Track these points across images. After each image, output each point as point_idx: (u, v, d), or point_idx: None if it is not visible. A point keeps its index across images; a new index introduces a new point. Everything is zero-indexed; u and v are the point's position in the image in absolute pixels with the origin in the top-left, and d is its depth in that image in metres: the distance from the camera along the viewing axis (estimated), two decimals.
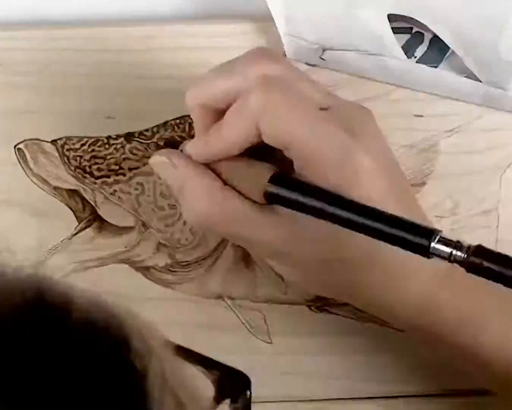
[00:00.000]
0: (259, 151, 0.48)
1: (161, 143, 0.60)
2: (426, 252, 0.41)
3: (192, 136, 0.59)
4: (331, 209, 0.43)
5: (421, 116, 0.60)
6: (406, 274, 0.48)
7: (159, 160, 0.50)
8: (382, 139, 0.48)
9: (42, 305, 0.29)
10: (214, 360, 0.38)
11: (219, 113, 0.48)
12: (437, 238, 0.41)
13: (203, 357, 0.37)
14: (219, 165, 0.48)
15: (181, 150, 0.50)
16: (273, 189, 0.45)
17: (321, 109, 0.46)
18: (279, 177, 0.45)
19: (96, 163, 0.59)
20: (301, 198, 0.44)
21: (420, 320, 0.49)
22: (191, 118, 0.59)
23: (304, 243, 0.46)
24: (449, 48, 0.58)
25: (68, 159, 0.59)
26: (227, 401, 0.37)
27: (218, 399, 0.37)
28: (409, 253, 0.42)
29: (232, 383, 0.39)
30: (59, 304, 0.29)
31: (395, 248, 0.42)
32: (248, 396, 0.38)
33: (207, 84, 0.48)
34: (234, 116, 0.46)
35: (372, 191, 0.45)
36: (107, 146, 0.60)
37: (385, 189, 0.46)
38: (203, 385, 0.37)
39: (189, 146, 0.49)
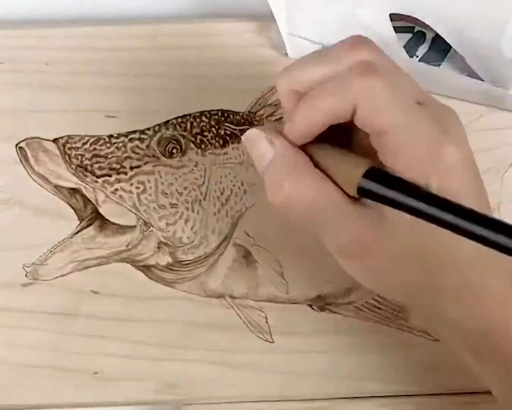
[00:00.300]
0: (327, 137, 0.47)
1: (163, 142, 0.60)
2: None
3: (195, 135, 0.60)
4: (428, 209, 0.42)
5: None
6: (483, 288, 0.47)
7: (254, 133, 0.48)
8: (467, 140, 0.47)
9: None
10: None
11: None
12: None
13: None
14: (311, 151, 0.47)
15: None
16: (368, 184, 0.44)
17: (417, 103, 0.46)
18: (375, 172, 0.44)
19: (98, 162, 0.59)
20: (397, 196, 0.43)
21: (489, 339, 0.47)
22: (193, 118, 0.60)
23: (388, 239, 0.46)
24: (450, 47, 0.58)
25: (69, 157, 0.59)
26: None
27: None
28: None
29: None
30: None
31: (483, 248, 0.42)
32: None
33: (301, 69, 0.47)
34: (330, 93, 0.45)
35: (460, 186, 0.45)
36: (108, 145, 0.60)
37: (470, 186, 0.46)
38: None
39: (285, 131, 0.47)
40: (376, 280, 0.48)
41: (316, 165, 0.46)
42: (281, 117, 0.60)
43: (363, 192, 0.44)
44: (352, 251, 0.47)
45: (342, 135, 0.47)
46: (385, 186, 0.43)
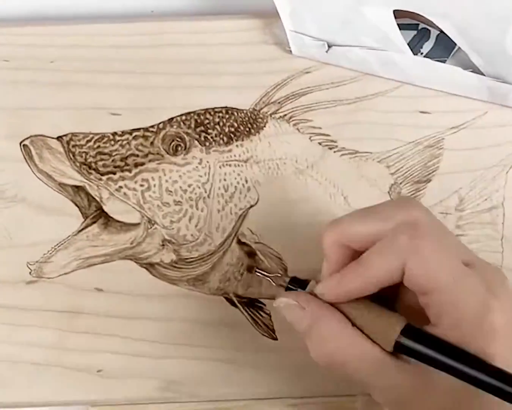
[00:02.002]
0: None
1: (167, 139, 0.60)
2: None
3: (199, 133, 0.60)
4: (464, 369, 0.44)
5: (427, 112, 0.60)
6: None
7: (285, 302, 0.50)
8: None
9: None
10: None
11: (354, 254, 0.48)
12: None
13: None
14: (347, 307, 0.48)
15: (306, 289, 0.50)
16: (406, 341, 0.46)
17: (464, 263, 0.47)
18: (412, 329, 0.46)
19: (102, 159, 0.59)
20: (433, 354, 0.45)
21: None
22: (197, 115, 0.60)
23: (430, 395, 0.47)
24: (455, 44, 0.58)
25: (73, 155, 0.59)
26: None
27: None
28: None
29: None
30: None
31: None
32: None
33: (349, 225, 0.48)
34: (380, 255, 0.47)
35: (507, 351, 0.46)
36: (112, 142, 0.60)
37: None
38: None
39: (322, 286, 0.49)
40: None
41: (353, 321, 0.48)
42: (285, 115, 0.60)
43: (400, 349, 0.46)
44: (395, 403, 0.48)
45: (388, 291, 0.48)
46: (420, 344, 0.45)
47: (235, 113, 0.60)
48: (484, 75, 0.58)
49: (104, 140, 0.60)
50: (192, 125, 0.60)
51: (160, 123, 0.60)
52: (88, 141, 0.60)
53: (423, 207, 0.48)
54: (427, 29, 0.60)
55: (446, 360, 0.45)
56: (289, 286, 0.51)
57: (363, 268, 0.47)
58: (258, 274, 0.53)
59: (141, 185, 0.59)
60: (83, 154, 0.59)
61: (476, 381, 0.44)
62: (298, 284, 0.51)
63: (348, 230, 0.48)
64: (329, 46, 0.59)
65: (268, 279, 0.52)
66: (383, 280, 0.47)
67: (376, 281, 0.47)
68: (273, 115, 0.60)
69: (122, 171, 0.59)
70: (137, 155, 0.59)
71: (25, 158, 0.60)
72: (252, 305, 0.59)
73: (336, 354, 0.48)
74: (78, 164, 0.59)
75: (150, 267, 0.59)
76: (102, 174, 0.59)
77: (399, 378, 0.47)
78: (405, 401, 0.48)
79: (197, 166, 0.60)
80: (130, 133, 0.60)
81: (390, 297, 0.49)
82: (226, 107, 0.60)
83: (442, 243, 0.47)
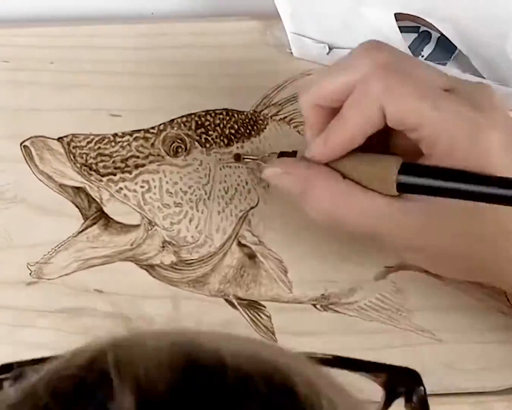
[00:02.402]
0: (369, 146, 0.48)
1: (168, 141, 0.60)
2: None
3: (200, 134, 0.60)
4: (469, 187, 0.44)
5: None
6: None
7: (271, 171, 0.50)
8: (505, 112, 0.47)
9: (195, 375, 0.26)
10: (378, 362, 0.37)
11: (333, 113, 0.48)
12: None
13: (366, 362, 0.36)
14: (340, 164, 0.48)
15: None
16: (406, 179, 0.45)
17: (444, 90, 0.46)
18: (409, 166, 0.46)
19: (102, 160, 0.59)
20: (436, 183, 0.45)
21: None
22: (197, 117, 0.60)
23: (440, 226, 0.47)
24: (456, 47, 0.58)
25: (74, 156, 0.59)
26: (401, 400, 0.36)
27: (389, 400, 0.36)
28: None
29: (402, 381, 0.38)
30: (213, 369, 0.27)
31: None
32: (422, 391, 0.38)
33: (320, 83, 0.48)
34: (356, 105, 0.46)
35: (503, 167, 0.45)
36: (113, 143, 0.60)
37: (509, 163, 0.46)
38: (371, 389, 0.35)
39: (309, 150, 0.49)
40: (440, 263, 0.49)
41: (348, 177, 0.47)
42: (286, 117, 0.60)
43: (403, 188, 0.45)
44: (413, 245, 0.48)
45: (378, 139, 0.48)
46: (421, 177, 0.45)
47: (236, 115, 0.60)
48: (484, 78, 0.58)
49: (105, 142, 0.60)
50: (193, 127, 0.60)
51: (160, 124, 0.60)
52: (88, 142, 0.60)
53: (389, 46, 0.48)
54: (428, 32, 0.60)
55: (449, 184, 0.44)
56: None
57: (343, 122, 0.47)
58: (247, 159, 0.52)
59: (142, 186, 0.59)
60: (84, 156, 0.59)
61: (483, 196, 0.43)
62: (286, 156, 0.50)
63: (320, 90, 0.48)
64: (330, 49, 0.59)
65: (258, 161, 0.52)
66: (365, 128, 0.46)
67: (359, 131, 0.46)
68: (273, 117, 0.60)
69: (122, 172, 0.59)
70: (138, 157, 0.59)
71: (25, 159, 0.60)
72: (252, 307, 0.59)
73: (335, 210, 0.48)
74: (78, 165, 0.59)
75: (150, 268, 0.59)
76: (103, 176, 0.59)
77: (406, 219, 0.46)
78: (416, 241, 0.47)
79: (197, 168, 0.60)
80: (131, 135, 0.60)
81: (381, 145, 0.48)
82: (226, 109, 0.60)
83: (416, 76, 0.46)
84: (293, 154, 0.50)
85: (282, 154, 0.50)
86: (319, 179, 0.48)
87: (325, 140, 0.48)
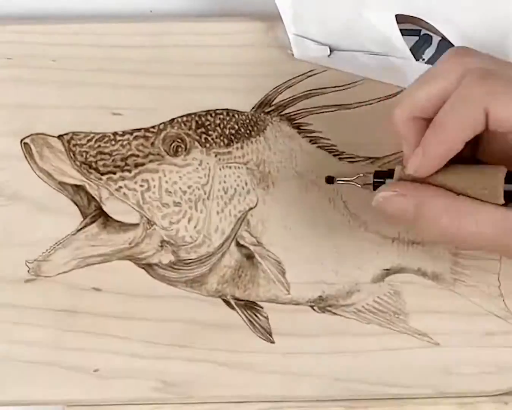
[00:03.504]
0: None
1: (168, 140, 0.60)
2: None
3: (200, 134, 0.60)
4: None
5: None
6: None
7: (384, 195, 0.49)
8: None
9: None
10: None
11: (427, 124, 0.48)
12: None
13: None
14: (442, 179, 0.48)
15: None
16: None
17: None
18: None
19: (102, 159, 0.59)
20: None
21: None
22: (198, 117, 0.60)
23: None
24: None
25: (74, 154, 0.59)
26: None
27: None
28: None
29: None
30: None
31: None
32: None
33: (412, 95, 0.48)
34: (455, 110, 0.46)
35: None
36: (113, 142, 0.60)
37: None
38: None
39: (410, 164, 0.48)
40: None
41: (453, 190, 0.47)
42: (286, 118, 0.60)
43: (510, 197, 0.46)
44: None
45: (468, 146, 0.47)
46: None
47: (236, 116, 0.60)
48: None
49: (105, 140, 0.60)
50: (193, 127, 0.60)
51: (161, 124, 0.60)
52: (88, 140, 0.60)
53: (477, 51, 0.47)
54: (429, 35, 0.60)
55: None
56: (375, 180, 0.50)
57: (441, 129, 0.46)
58: (340, 182, 0.52)
59: (141, 185, 0.59)
60: (84, 154, 0.59)
61: None
62: (383, 175, 0.50)
63: (414, 101, 0.48)
64: (331, 51, 0.59)
65: (352, 183, 0.51)
66: (466, 133, 0.46)
67: (459, 136, 0.46)
68: (274, 118, 0.60)
69: (122, 171, 0.59)
70: (138, 156, 0.59)
71: (25, 156, 0.60)
72: (249, 307, 0.59)
73: (453, 228, 0.47)
74: (78, 163, 0.59)
75: (148, 267, 0.59)
76: (102, 174, 0.59)
77: None
78: None
79: (197, 168, 0.60)
80: (131, 134, 0.60)
81: (469, 152, 0.48)
82: (227, 109, 0.60)
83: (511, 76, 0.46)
84: (390, 172, 0.50)
85: (378, 173, 0.50)
86: (434, 199, 0.47)
87: (423, 152, 0.47)
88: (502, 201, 0.46)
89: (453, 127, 0.46)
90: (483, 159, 0.49)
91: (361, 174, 0.52)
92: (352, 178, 0.52)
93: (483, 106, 0.45)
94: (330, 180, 0.53)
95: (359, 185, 0.51)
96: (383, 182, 0.50)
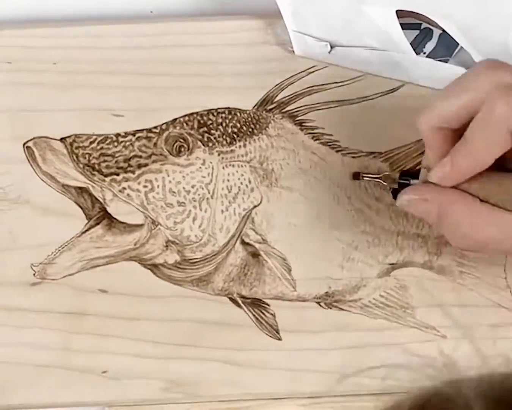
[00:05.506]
0: None
1: (170, 140, 0.60)
2: None
3: (202, 134, 0.60)
4: None
5: None
6: None
7: (408, 199, 0.49)
8: None
9: None
10: None
11: (454, 134, 0.48)
12: None
13: None
14: (467, 184, 0.48)
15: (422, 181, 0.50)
16: None
17: None
18: None
19: (105, 160, 0.59)
20: None
21: None
22: (200, 116, 0.60)
23: None
24: (458, 44, 0.58)
25: (77, 156, 0.59)
26: None
27: None
28: None
29: None
30: None
31: None
32: None
33: (441, 105, 0.48)
34: (482, 127, 0.46)
35: None
36: (116, 143, 0.60)
37: None
38: None
39: (434, 173, 0.48)
40: None
41: (478, 197, 0.47)
42: (288, 115, 0.60)
43: None
44: None
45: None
46: None
47: (238, 114, 0.60)
48: None
49: (107, 142, 0.60)
50: (195, 126, 0.60)
51: (163, 124, 0.60)
52: (91, 142, 0.60)
53: (509, 66, 0.47)
54: (430, 28, 0.60)
55: None
56: (400, 180, 0.50)
57: (470, 145, 0.46)
58: (366, 178, 0.52)
59: (145, 186, 0.59)
60: (87, 156, 0.59)
61: None
62: (409, 176, 0.50)
63: (441, 111, 0.47)
64: (332, 47, 0.59)
65: (378, 180, 0.51)
66: (494, 151, 0.46)
67: (487, 154, 0.46)
68: (276, 116, 0.60)
69: (125, 172, 0.59)
70: (140, 157, 0.59)
71: (28, 160, 0.60)
72: (256, 305, 0.59)
73: (475, 234, 0.47)
74: (81, 165, 0.59)
75: (154, 268, 0.59)
76: (106, 176, 0.59)
77: None
78: None
79: (200, 167, 0.60)
80: (133, 135, 0.60)
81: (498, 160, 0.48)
82: (229, 107, 0.60)
83: None
84: (416, 172, 0.50)
85: (404, 173, 0.50)
86: (457, 204, 0.48)
87: (452, 163, 0.47)
88: None
89: (481, 145, 0.46)
90: (509, 167, 0.49)
91: (387, 172, 0.52)
92: (379, 175, 0.52)
93: (507, 127, 0.45)
94: (356, 176, 0.52)
95: (385, 183, 0.51)
96: (408, 183, 0.50)
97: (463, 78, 0.48)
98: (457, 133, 0.47)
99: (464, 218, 0.47)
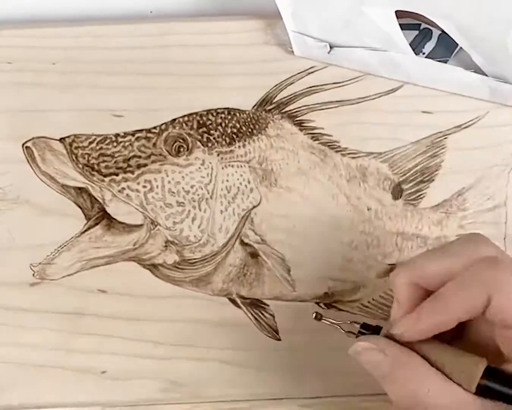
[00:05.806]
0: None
1: (170, 140, 0.60)
2: None
3: (201, 134, 0.60)
4: None
5: (429, 112, 0.60)
6: None
7: (364, 346, 0.49)
8: None
9: None
10: None
11: (425, 294, 0.48)
12: None
13: None
14: (425, 348, 0.48)
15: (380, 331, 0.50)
16: (489, 383, 0.46)
17: None
18: (494, 370, 0.46)
19: (104, 161, 0.59)
20: None
21: None
22: (199, 116, 0.60)
23: None
24: (457, 44, 0.58)
25: (76, 157, 0.59)
26: None
27: None
28: None
29: None
30: None
31: None
32: None
33: (422, 264, 0.48)
34: (461, 289, 0.46)
35: None
36: (115, 144, 0.60)
37: None
38: None
39: (399, 325, 0.48)
40: None
41: (431, 363, 0.47)
42: (287, 115, 0.60)
43: (483, 392, 0.46)
44: None
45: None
46: (505, 385, 0.45)
47: (237, 114, 0.60)
48: (486, 75, 0.58)
49: (107, 142, 0.60)
50: (195, 126, 0.60)
51: (162, 124, 0.60)
52: (90, 142, 0.60)
53: (491, 242, 0.48)
54: (429, 29, 0.60)
55: None
56: (360, 331, 0.50)
57: (442, 304, 0.47)
58: (326, 321, 0.52)
59: (144, 186, 0.59)
60: (86, 156, 0.59)
61: None
62: (369, 329, 0.50)
63: (421, 269, 0.48)
64: (331, 47, 0.59)
65: (337, 326, 0.52)
66: (464, 314, 0.46)
67: (457, 315, 0.46)
68: (275, 116, 0.60)
69: (124, 172, 0.59)
70: (140, 157, 0.59)
71: (27, 160, 0.60)
72: (255, 305, 0.59)
73: (420, 397, 0.47)
74: (80, 165, 0.59)
75: (153, 268, 0.59)
76: (105, 176, 0.59)
77: None
78: None
79: (199, 167, 0.60)
80: (133, 135, 0.60)
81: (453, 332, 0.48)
82: (228, 108, 0.60)
83: None
84: (377, 328, 0.50)
85: (364, 325, 0.50)
86: (409, 365, 0.48)
87: (417, 319, 0.47)
88: (474, 391, 0.46)
89: (454, 304, 0.46)
90: (463, 343, 0.49)
91: (349, 322, 0.52)
92: (339, 322, 0.52)
93: (488, 291, 0.45)
94: (318, 317, 0.53)
95: (343, 331, 0.51)
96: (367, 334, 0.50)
97: (448, 244, 0.49)
98: (427, 293, 0.48)
99: (413, 380, 0.47)
